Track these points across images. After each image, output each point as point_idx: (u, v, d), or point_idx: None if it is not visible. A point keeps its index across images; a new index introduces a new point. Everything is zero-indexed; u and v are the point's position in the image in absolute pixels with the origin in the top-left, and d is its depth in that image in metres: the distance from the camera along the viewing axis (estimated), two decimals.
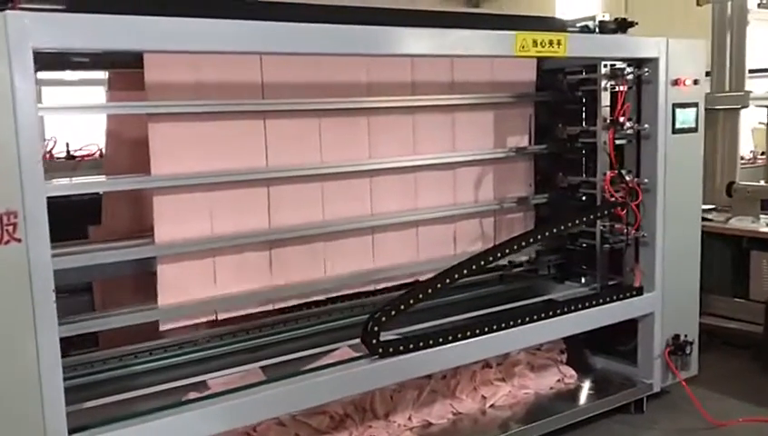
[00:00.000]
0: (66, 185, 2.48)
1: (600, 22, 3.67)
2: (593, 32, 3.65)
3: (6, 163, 1.99)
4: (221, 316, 3.01)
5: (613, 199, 3.51)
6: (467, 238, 3.70)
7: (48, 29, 2.05)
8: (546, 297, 3.74)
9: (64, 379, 2.75)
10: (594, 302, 3.52)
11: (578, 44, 3.25)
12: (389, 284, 3.46)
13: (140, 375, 2.93)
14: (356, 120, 3.25)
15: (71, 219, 3.22)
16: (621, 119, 3.50)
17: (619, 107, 3.49)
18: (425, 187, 3.50)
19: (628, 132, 3.58)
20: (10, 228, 2.02)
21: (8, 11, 1.99)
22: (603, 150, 3.58)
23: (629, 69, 3.53)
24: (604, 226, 3.67)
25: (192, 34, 2.33)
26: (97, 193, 3.10)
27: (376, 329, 2.83)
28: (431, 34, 2.82)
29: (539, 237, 3.34)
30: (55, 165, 4.30)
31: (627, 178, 3.56)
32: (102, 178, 2.63)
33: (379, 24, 2.68)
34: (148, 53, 2.61)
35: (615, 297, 3.59)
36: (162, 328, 2.87)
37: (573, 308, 3.45)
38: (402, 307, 2.91)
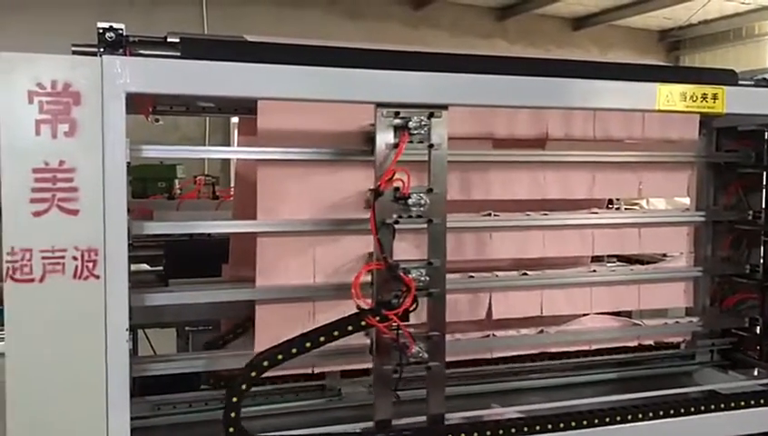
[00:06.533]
0: (152, 226, 2.53)
1: None
2: None
3: (91, 202, 2.07)
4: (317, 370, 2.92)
5: None
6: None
7: (141, 75, 2.11)
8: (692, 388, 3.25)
9: (146, 417, 2.77)
10: (733, 404, 2.99)
11: (740, 100, 2.83)
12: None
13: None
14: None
15: (208, 257, 3.37)
16: None
17: None
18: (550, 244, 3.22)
19: None
20: (90, 265, 2.09)
21: (104, 56, 2.08)
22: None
23: None
24: None
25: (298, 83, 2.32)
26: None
27: (233, 415, 2.34)
28: (553, 86, 2.59)
29: None
30: (200, 204, 4.50)
31: None
32: (195, 221, 2.65)
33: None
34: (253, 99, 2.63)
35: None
36: None
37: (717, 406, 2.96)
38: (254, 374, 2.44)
